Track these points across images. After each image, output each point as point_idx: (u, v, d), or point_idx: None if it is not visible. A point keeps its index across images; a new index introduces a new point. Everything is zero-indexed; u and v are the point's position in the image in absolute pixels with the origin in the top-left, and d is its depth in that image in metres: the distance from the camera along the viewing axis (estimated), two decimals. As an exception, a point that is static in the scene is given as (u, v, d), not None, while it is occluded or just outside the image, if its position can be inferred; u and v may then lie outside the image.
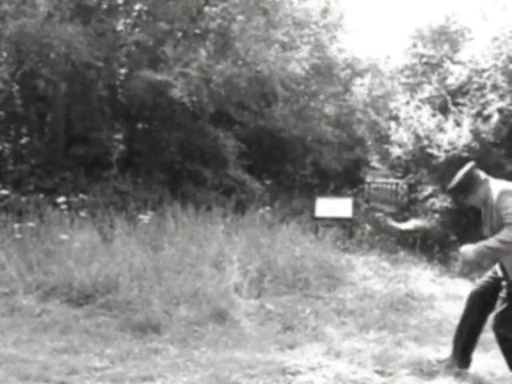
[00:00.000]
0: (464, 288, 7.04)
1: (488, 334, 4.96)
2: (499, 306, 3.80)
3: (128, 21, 10.38)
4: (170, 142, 10.86)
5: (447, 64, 11.81)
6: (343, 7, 14.19)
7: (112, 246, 6.56)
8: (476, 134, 10.29)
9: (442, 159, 10.72)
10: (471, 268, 3.98)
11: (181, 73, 8.90)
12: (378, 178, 19.45)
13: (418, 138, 11.34)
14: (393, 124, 12.09)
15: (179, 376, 4.02)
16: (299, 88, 12.58)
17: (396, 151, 11.97)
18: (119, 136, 10.05)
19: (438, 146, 10.77)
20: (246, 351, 4.52)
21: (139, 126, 11.43)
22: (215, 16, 10.24)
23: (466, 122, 10.40)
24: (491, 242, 3.59)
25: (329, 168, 13.99)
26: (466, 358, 4.09)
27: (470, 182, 3.81)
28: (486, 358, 4.29)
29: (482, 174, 3.87)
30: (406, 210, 17.18)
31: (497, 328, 3.79)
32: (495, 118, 10.09)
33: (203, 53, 9.36)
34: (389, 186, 19.64)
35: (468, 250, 3.70)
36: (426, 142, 11.14)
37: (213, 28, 10.20)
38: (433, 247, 9.66)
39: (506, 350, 3.85)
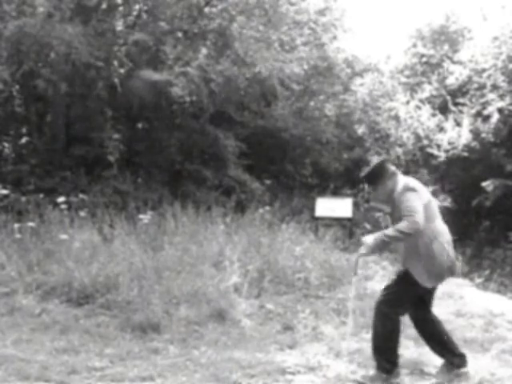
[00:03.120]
0: (464, 287, 7.06)
1: (488, 334, 4.98)
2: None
3: (128, 20, 10.39)
4: (170, 142, 10.85)
5: (447, 64, 11.82)
6: (343, 7, 14.16)
7: (112, 246, 6.56)
8: (476, 133, 10.31)
9: (442, 159, 10.74)
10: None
11: (181, 72, 8.90)
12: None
13: (417, 137, 11.35)
14: (393, 124, 12.09)
15: (179, 376, 4.02)
16: (299, 88, 12.56)
17: (396, 151, 11.97)
18: (119, 136, 10.04)
19: (438, 146, 10.79)
20: (246, 351, 4.52)
21: (139, 125, 11.43)
22: (215, 16, 10.24)
23: (466, 122, 10.41)
24: (390, 231, 3.82)
25: (329, 168, 13.97)
26: (454, 357, 4.02)
27: (380, 173, 4.03)
28: (486, 358, 4.29)
29: (392, 168, 4.07)
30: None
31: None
32: (495, 117, 10.10)
33: (203, 51, 9.36)
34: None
35: (370, 237, 3.92)
36: (425, 142, 11.15)
37: (212, 28, 10.20)
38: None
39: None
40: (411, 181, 4.02)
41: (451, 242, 4.00)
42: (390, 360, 3.92)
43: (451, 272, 3.94)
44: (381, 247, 4.01)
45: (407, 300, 3.95)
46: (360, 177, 4.23)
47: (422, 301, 4.03)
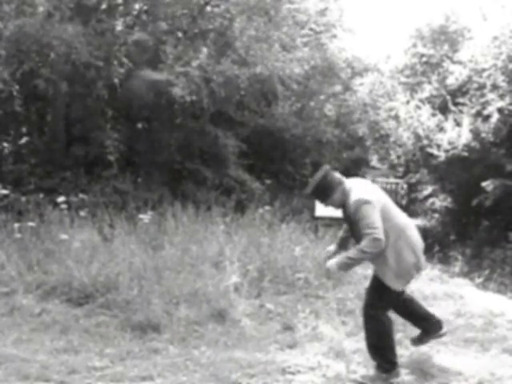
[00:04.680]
0: (464, 287, 7.06)
1: (488, 334, 4.98)
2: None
3: (127, 20, 10.39)
4: (170, 142, 10.85)
5: (447, 64, 11.82)
6: (343, 6, 14.19)
7: (112, 245, 6.56)
8: (476, 133, 10.31)
9: (441, 159, 10.74)
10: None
11: (181, 72, 8.90)
12: (378, 178, 19.43)
13: (417, 137, 11.35)
14: (393, 124, 12.09)
15: (179, 376, 4.02)
16: (299, 88, 12.57)
17: (396, 151, 11.98)
18: (119, 136, 10.04)
19: (438, 146, 10.79)
20: (245, 351, 4.52)
21: (139, 125, 11.43)
22: (216, 16, 10.24)
23: (466, 122, 10.41)
24: (353, 253, 3.70)
25: (329, 168, 13.96)
26: (432, 324, 4.20)
27: (325, 187, 3.84)
28: (486, 357, 4.29)
29: (337, 177, 3.89)
30: (406, 209, 17.19)
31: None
32: (495, 117, 10.09)
33: (204, 51, 9.37)
34: (389, 186, 19.62)
35: (332, 264, 3.76)
36: (425, 142, 11.15)
37: (213, 27, 10.21)
38: (433, 247, 9.67)
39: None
40: (361, 190, 3.83)
41: (417, 233, 3.96)
42: (390, 360, 3.92)
43: (417, 268, 3.89)
44: (346, 270, 3.88)
45: (389, 299, 3.93)
46: (305, 193, 4.01)
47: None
